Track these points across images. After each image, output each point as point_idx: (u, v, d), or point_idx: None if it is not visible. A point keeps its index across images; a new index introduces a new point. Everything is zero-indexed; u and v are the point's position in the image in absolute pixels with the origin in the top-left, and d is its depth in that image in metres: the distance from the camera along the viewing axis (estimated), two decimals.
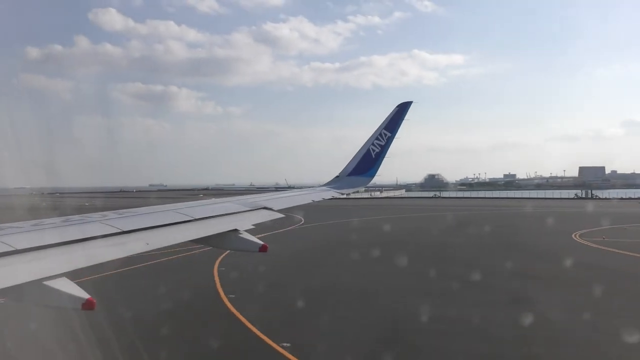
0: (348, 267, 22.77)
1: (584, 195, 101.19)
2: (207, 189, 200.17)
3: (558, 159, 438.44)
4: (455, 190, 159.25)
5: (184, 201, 8.52)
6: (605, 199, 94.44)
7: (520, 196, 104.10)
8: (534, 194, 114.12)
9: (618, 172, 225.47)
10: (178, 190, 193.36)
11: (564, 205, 71.05)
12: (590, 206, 68.47)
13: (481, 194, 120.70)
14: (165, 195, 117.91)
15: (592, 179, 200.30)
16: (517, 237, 33.68)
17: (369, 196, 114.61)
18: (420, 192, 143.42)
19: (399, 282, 19.19)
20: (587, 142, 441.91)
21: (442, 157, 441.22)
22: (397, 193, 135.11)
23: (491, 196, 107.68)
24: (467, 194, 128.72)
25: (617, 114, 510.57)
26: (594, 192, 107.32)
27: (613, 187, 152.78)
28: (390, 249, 26.64)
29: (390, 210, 63.64)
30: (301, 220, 41.84)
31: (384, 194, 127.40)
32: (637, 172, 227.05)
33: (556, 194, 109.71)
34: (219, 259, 22.70)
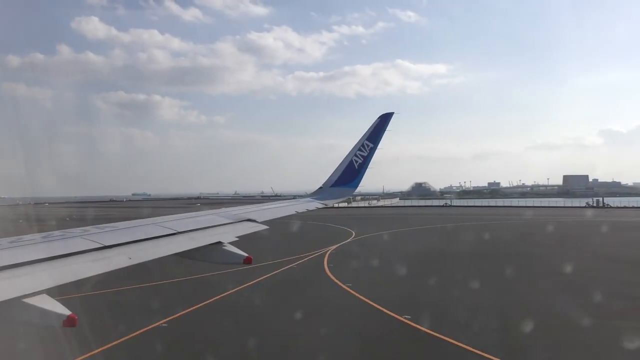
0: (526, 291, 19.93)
1: (595, 204, 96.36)
2: (198, 197, 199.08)
3: (538, 168, 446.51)
4: (443, 199, 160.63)
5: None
6: (623, 207, 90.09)
7: (531, 205, 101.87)
8: (545, 202, 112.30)
9: (599, 180, 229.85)
10: (173, 199, 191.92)
11: (600, 215, 66.55)
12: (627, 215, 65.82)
13: (484, 202, 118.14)
14: (161, 205, 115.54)
15: (575, 187, 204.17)
16: (627, 250, 31.37)
17: (368, 205, 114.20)
18: (420, 201, 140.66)
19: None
20: (567, 151, 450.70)
21: (425, 166, 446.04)
22: (393, 201, 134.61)
23: (502, 204, 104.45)
24: (477, 202, 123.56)
25: (595, 123, 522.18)
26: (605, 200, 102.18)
27: (596, 195, 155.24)
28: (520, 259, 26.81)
29: (425, 219, 60.30)
30: (351, 233, 41.26)
31: (381, 203, 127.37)
32: (615, 180, 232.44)
33: (560, 202, 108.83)
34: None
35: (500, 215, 67.50)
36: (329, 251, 30.35)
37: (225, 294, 18.33)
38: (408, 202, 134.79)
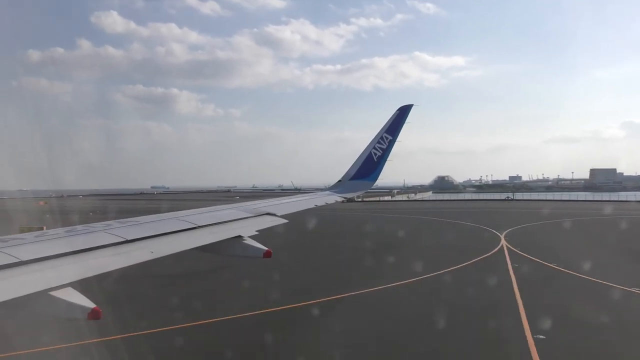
0: None
1: None
2: (229, 190, 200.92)
3: (557, 161, 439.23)
4: (466, 192, 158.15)
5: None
6: None
7: (591, 199, 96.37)
8: (597, 196, 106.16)
9: (624, 174, 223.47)
10: (208, 192, 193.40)
11: None
12: None
13: (541, 196, 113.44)
14: (195, 198, 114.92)
15: (603, 182, 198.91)
16: None
17: (407, 199, 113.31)
18: (457, 194, 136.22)
19: None
20: (587, 144, 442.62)
21: (442, 159, 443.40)
22: (425, 195, 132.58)
23: (566, 199, 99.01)
24: (533, 196, 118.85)
25: (616, 115, 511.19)
26: None
27: (624, 189, 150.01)
28: None
29: (525, 214, 57.11)
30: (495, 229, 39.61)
31: (419, 196, 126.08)
32: None
33: (613, 196, 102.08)
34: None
35: (590, 210, 64.79)
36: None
37: None
38: (446, 196, 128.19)
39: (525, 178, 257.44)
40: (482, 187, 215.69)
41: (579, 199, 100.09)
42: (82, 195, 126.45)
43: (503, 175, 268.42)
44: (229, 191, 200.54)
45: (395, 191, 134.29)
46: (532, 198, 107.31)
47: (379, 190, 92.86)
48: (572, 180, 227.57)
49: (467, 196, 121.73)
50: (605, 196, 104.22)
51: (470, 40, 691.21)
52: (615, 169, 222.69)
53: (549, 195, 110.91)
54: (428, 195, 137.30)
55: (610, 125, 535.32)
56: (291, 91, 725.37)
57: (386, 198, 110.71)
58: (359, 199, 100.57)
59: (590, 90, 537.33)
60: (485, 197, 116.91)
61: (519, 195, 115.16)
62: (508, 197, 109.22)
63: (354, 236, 39.34)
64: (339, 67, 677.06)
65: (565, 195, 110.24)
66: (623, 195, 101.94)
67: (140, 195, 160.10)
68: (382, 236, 38.51)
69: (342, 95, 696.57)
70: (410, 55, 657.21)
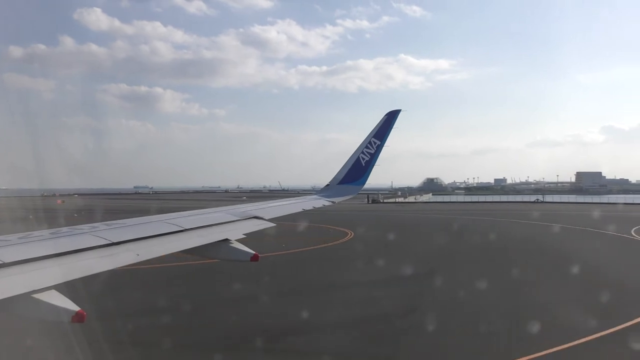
0: None
1: None
2: (226, 191, 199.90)
3: (540, 164, 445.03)
4: (455, 194, 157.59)
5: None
6: None
7: (614, 201, 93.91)
8: (612, 198, 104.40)
9: (606, 177, 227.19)
10: (207, 192, 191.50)
11: None
12: None
13: (563, 198, 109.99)
14: (196, 198, 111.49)
15: (589, 185, 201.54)
16: None
17: (414, 200, 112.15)
18: (479, 196, 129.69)
19: None
20: (568, 148, 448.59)
21: (426, 161, 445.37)
22: (424, 198, 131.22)
23: (590, 201, 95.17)
24: (563, 199, 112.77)
25: (597, 120, 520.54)
26: None
27: (610, 192, 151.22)
28: None
29: (577, 218, 50.85)
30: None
31: (425, 198, 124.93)
32: (622, 177, 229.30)
33: (587, 198, 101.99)
34: None
35: (625, 212, 62.72)
36: None
37: None
38: (453, 198, 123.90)
39: (509, 181, 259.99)
40: (470, 189, 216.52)
41: (610, 201, 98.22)
42: (77, 194, 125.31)
43: (487, 178, 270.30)
44: (226, 192, 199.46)
45: (399, 192, 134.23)
46: (562, 200, 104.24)
47: (366, 193, 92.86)
48: (557, 183, 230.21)
49: (481, 198, 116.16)
50: (612, 198, 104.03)
51: (455, 44, 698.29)
52: (600, 172, 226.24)
53: (587, 199, 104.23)
54: (428, 197, 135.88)
55: (590, 130, 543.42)
56: (276, 92, 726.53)
57: (399, 199, 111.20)
58: (382, 201, 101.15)
59: (572, 94, 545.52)
60: (506, 200, 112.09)
61: (573, 198, 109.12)
62: (538, 199, 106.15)
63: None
64: (324, 68, 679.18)
65: (580, 198, 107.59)
66: (630, 199, 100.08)
67: (137, 195, 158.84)
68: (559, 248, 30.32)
69: (327, 97, 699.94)
70: (395, 58, 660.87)
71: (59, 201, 78.73)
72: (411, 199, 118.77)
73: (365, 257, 25.55)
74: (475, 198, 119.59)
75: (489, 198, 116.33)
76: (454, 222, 49.25)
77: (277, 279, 20.49)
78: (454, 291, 17.87)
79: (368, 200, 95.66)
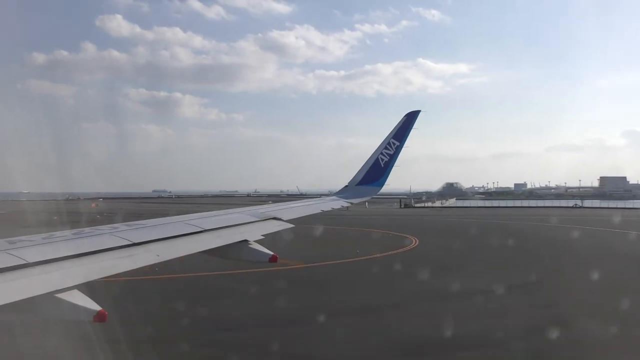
0: None
1: None
2: (249, 195, 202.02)
3: (560, 169, 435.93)
4: (474, 199, 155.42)
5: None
6: None
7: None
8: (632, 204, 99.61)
9: (630, 182, 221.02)
10: (227, 196, 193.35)
11: None
12: None
13: (603, 204, 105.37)
14: (218, 202, 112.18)
15: (613, 189, 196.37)
16: None
17: (442, 205, 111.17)
18: (508, 201, 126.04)
19: None
20: (589, 152, 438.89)
21: (444, 165, 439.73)
22: (450, 202, 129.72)
23: (632, 206, 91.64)
24: (603, 204, 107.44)
25: (618, 124, 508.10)
26: None
27: (635, 197, 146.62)
28: None
29: None
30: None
31: (450, 202, 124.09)
32: None
33: (619, 203, 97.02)
34: None
35: None
36: None
37: None
38: (480, 203, 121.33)
39: (529, 186, 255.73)
40: (490, 194, 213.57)
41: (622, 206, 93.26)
42: (102, 198, 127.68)
43: (506, 183, 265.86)
44: (248, 195, 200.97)
45: (424, 197, 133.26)
46: (602, 206, 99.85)
47: (383, 197, 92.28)
48: (580, 188, 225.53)
49: (510, 203, 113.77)
50: None
51: (474, 48, 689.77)
52: (625, 177, 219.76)
53: (628, 204, 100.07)
54: (453, 202, 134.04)
55: (612, 134, 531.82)
56: (295, 96, 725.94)
57: (427, 204, 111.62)
58: (414, 205, 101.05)
59: (592, 98, 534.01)
60: (542, 205, 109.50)
61: (614, 204, 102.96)
62: (576, 204, 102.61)
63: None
64: (342, 72, 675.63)
65: (612, 203, 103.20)
66: None
67: (159, 198, 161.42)
68: None
69: (345, 101, 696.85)
70: (414, 62, 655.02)
71: (93, 204, 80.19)
72: (438, 203, 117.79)
73: (457, 264, 25.57)
74: (503, 203, 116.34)
75: (524, 203, 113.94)
76: (509, 227, 48.54)
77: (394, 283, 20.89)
78: (590, 297, 17.77)
79: (400, 205, 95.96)
